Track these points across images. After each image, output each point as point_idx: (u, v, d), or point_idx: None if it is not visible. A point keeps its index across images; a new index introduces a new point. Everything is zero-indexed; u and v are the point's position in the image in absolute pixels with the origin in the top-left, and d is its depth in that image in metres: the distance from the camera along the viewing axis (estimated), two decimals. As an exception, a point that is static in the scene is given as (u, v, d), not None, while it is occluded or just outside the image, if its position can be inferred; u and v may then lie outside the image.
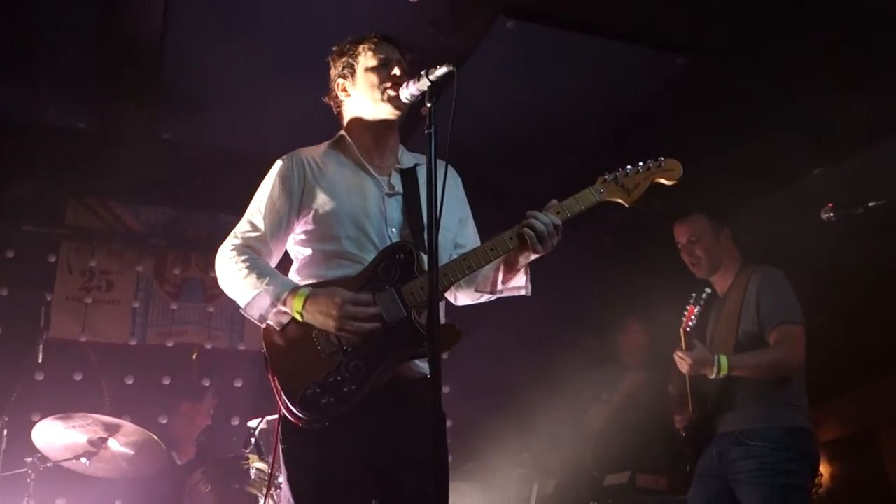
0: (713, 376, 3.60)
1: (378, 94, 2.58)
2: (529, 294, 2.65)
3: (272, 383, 2.39)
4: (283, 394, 2.33)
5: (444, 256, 2.51)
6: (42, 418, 4.39)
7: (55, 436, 4.37)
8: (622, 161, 2.62)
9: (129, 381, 5.82)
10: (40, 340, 4.99)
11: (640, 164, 2.64)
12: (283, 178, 2.60)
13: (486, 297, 2.71)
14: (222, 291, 2.56)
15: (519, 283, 2.63)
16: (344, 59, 2.68)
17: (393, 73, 2.58)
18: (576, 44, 4.51)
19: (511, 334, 5.97)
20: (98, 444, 4.42)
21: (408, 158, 2.73)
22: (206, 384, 5.94)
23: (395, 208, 2.59)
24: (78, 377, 5.70)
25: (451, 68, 2.21)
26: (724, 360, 3.58)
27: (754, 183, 5.13)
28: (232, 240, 2.60)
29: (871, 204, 3.34)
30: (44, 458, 4.40)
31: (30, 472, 4.35)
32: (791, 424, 3.56)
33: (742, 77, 4.71)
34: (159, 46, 4.50)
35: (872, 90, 4.45)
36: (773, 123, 4.93)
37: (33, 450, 4.38)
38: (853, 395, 5.40)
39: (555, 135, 5.29)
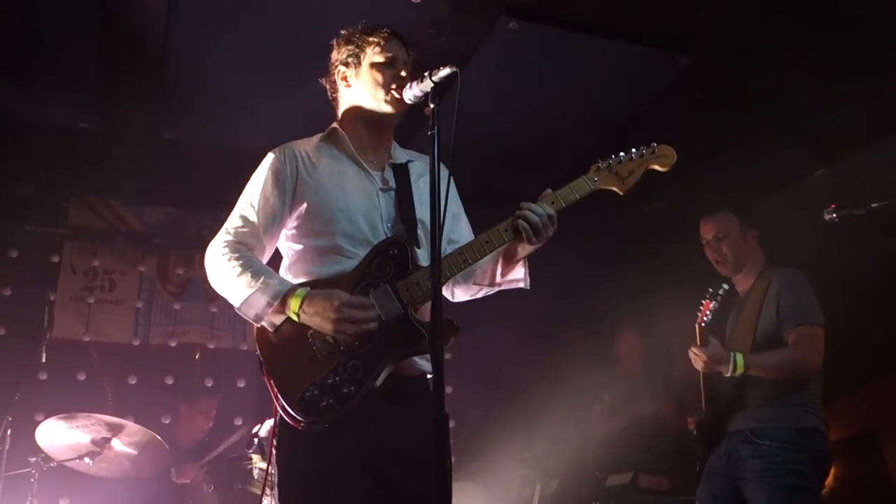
0: (728, 374, 3.58)
1: (382, 94, 2.55)
2: (528, 287, 2.62)
3: (268, 386, 2.34)
4: (280, 396, 2.29)
5: (419, 258, 2.47)
6: (45, 418, 4.40)
7: (59, 435, 4.38)
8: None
9: (133, 380, 5.84)
10: (43, 340, 4.98)
11: (633, 150, 2.60)
12: (276, 171, 2.54)
13: (484, 291, 2.67)
14: None
15: (518, 276, 2.60)
16: (350, 48, 2.62)
17: (400, 74, 2.55)
18: (578, 44, 4.51)
19: (513, 334, 5.98)
20: (101, 444, 4.44)
21: (400, 154, 2.71)
22: (209, 384, 5.95)
23: (388, 203, 2.56)
24: (81, 377, 5.72)
25: (454, 69, 2.20)
26: (740, 358, 3.56)
27: (756, 183, 5.13)
28: (223, 236, 2.52)
29: (873, 205, 3.33)
30: (47, 458, 4.41)
31: (33, 471, 4.36)
32: (801, 425, 3.55)
33: (744, 77, 4.71)
34: (161, 46, 4.51)
35: (874, 90, 4.45)
36: (775, 124, 4.92)
37: (37, 449, 4.39)
38: (856, 397, 5.39)
39: (557, 135, 5.29)
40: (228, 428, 5.52)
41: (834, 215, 3.42)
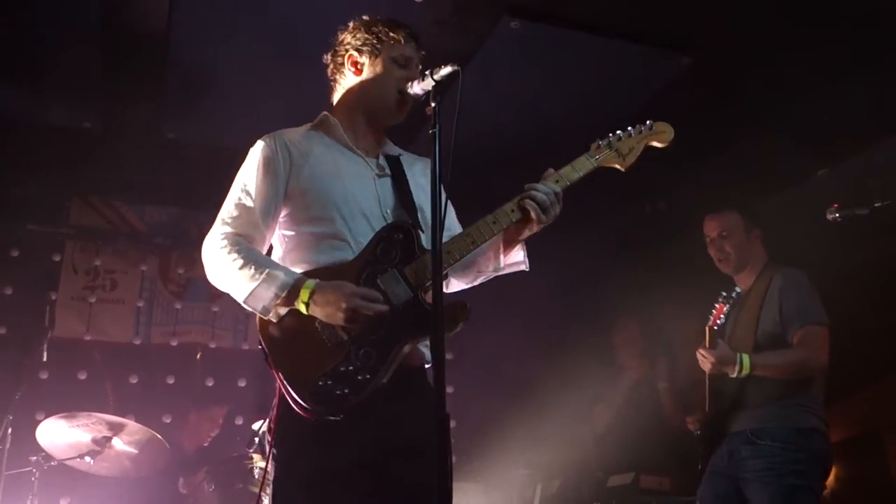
0: (734, 375, 3.57)
1: (394, 91, 2.51)
2: (528, 269, 2.59)
3: (276, 378, 2.28)
4: (290, 388, 2.22)
5: (428, 238, 2.41)
6: (46, 417, 4.40)
7: (59, 434, 4.39)
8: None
9: (134, 380, 5.84)
10: (45, 339, 4.99)
11: (631, 128, 2.59)
12: (268, 158, 2.47)
13: (483, 278, 2.62)
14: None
15: (518, 259, 2.57)
16: (368, 36, 2.57)
17: (414, 74, 2.50)
18: (580, 43, 4.51)
19: (515, 334, 5.98)
20: (102, 443, 4.44)
21: (391, 148, 2.69)
22: (210, 384, 5.95)
23: (386, 189, 2.53)
24: (82, 376, 5.73)
25: (455, 68, 2.19)
26: (746, 358, 3.56)
27: (758, 183, 5.12)
28: (221, 228, 2.44)
29: (876, 204, 3.33)
30: (48, 457, 4.42)
31: (34, 470, 4.37)
32: (802, 425, 3.55)
33: (745, 77, 4.70)
34: (163, 45, 4.50)
35: (876, 89, 4.44)
36: (777, 123, 4.92)
37: (38, 448, 4.40)
38: (858, 397, 5.39)
39: (558, 134, 5.27)
40: (231, 431, 5.53)
41: (837, 215, 3.42)
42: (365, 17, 2.63)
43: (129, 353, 5.91)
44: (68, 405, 4.54)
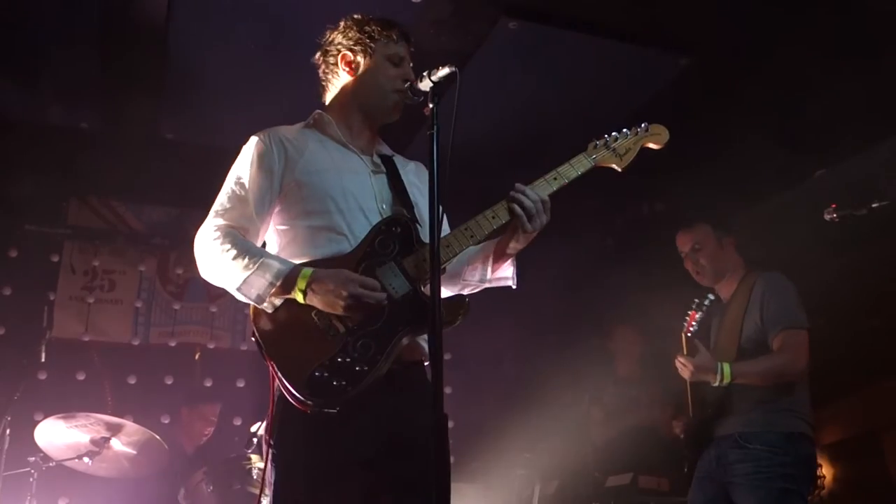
0: (716, 384, 3.59)
1: (389, 89, 2.53)
2: (515, 286, 2.58)
3: (270, 369, 2.24)
4: (285, 379, 2.18)
5: (425, 239, 2.39)
6: (45, 418, 4.40)
7: (58, 435, 4.38)
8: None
9: (132, 380, 5.83)
10: (43, 340, 4.98)
11: (626, 130, 2.62)
12: (262, 153, 2.46)
13: (469, 289, 2.60)
14: (225, 291, 2.36)
15: (506, 274, 2.56)
16: (360, 36, 2.57)
17: (407, 76, 2.52)
18: (578, 44, 4.51)
19: (513, 335, 5.98)
20: (100, 444, 4.43)
21: (385, 148, 2.69)
22: (209, 384, 5.95)
23: (381, 185, 2.52)
24: (81, 377, 5.72)
25: (453, 69, 2.20)
26: (727, 367, 3.57)
27: (756, 184, 5.13)
28: (214, 220, 2.42)
29: (874, 205, 3.33)
30: (46, 458, 4.41)
31: (32, 471, 4.36)
32: (790, 429, 3.56)
33: (744, 77, 4.71)
34: (162, 45, 4.51)
35: (875, 90, 4.44)
36: (776, 123, 4.92)
37: (36, 449, 4.39)
38: (856, 397, 5.39)
39: (556, 135, 5.27)
40: (230, 432, 5.52)
41: (834, 215, 3.43)
42: (356, 16, 2.63)
43: (128, 353, 5.91)
44: (67, 406, 4.54)
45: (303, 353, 2.22)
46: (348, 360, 2.20)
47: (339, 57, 2.61)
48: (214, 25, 4.36)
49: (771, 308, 3.67)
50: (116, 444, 4.48)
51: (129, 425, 4.49)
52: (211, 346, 6.07)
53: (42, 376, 5.36)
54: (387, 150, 2.68)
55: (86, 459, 4.43)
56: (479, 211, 2.70)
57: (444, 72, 2.22)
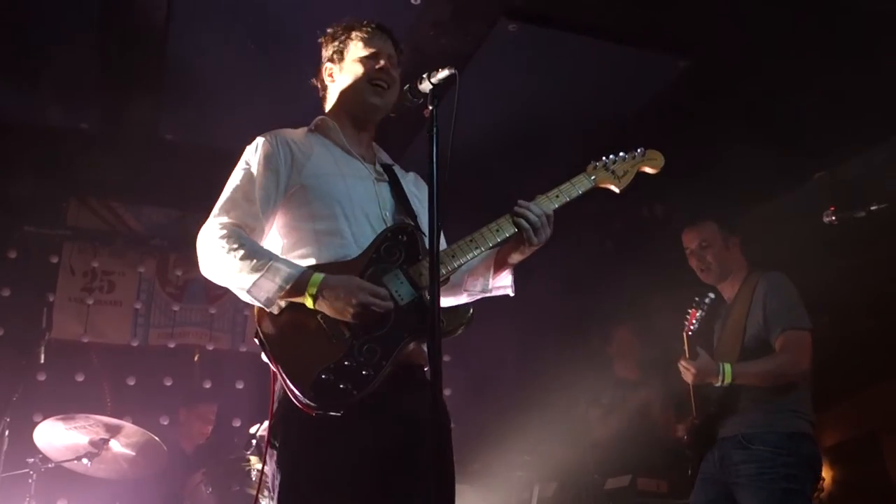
0: (718, 384, 3.59)
1: (361, 86, 2.55)
2: (513, 294, 2.60)
3: (274, 371, 2.24)
4: (289, 381, 2.18)
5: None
6: (44, 419, 4.40)
7: (57, 436, 4.38)
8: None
9: (131, 382, 5.83)
10: (42, 341, 5.00)
11: (624, 153, 2.67)
12: (268, 154, 2.46)
13: (467, 298, 2.62)
14: (225, 293, 2.39)
15: (505, 283, 2.58)
16: (335, 44, 2.63)
17: (379, 64, 2.54)
18: (577, 46, 4.52)
19: (511, 337, 5.98)
20: (99, 445, 4.43)
21: (384, 156, 2.71)
22: (208, 385, 5.95)
23: (385, 193, 2.54)
24: (80, 378, 5.71)
25: (452, 71, 2.20)
26: (728, 368, 3.56)
27: (756, 186, 5.13)
28: (218, 218, 2.39)
29: (872, 207, 3.33)
30: (45, 459, 4.41)
31: (31, 472, 4.36)
32: (792, 429, 3.55)
33: (743, 79, 4.71)
34: (161, 47, 4.51)
35: (874, 92, 4.45)
36: (775, 126, 4.93)
37: (35, 450, 4.39)
38: (855, 399, 5.39)
39: (556, 137, 5.29)
40: (229, 433, 5.52)
41: (833, 218, 3.42)
42: (329, 29, 2.69)
43: (127, 354, 5.90)
44: (66, 407, 4.53)
45: (308, 355, 2.22)
46: (354, 364, 2.20)
47: (324, 71, 2.67)
48: (214, 27, 4.36)
49: (773, 308, 3.66)
50: (115, 446, 4.48)
51: (128, 427, 4.48)
52: (210, 347, 6.07)
53: (41, 377, 5.36)
54: (387, 159, 2.71)
55: (85, 461, 4.43)
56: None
57: (443, 74, 2.22)
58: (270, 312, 2.30)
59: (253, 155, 2.49)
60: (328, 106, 2.68)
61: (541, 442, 5.56)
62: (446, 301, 2.62)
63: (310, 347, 2.24)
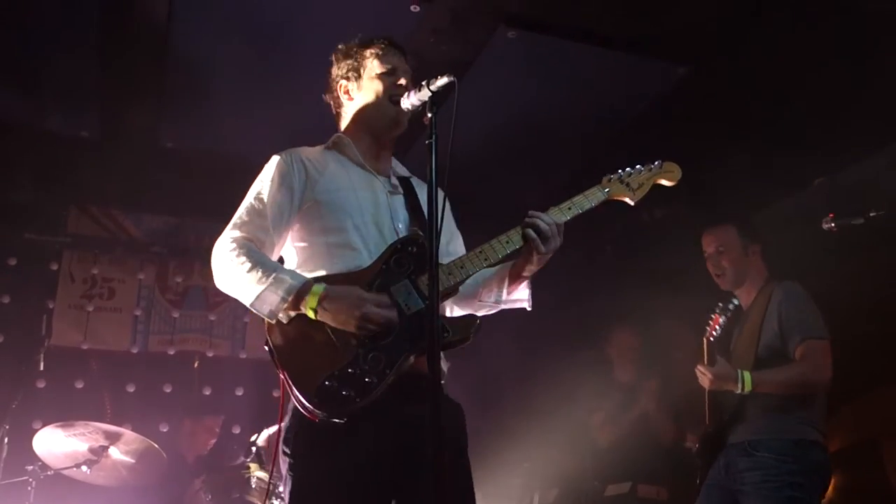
0: (738, 392, 3.55)
1: (383, 103, 2.60)
2: (530, 308, 2.64)
3: (282, 378, 2.29)
4: (295, 388, 2.24)
5: (442, 261, 2.45)
6: (43, 426, 4.39)
7: (56, 444, 4.37)
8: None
9: (131, 388, 5.82)
10: (42, 348, 4.99)
11: (640, 166, 2.68)
12: (283, 172, 2.53)
13: (485, 310, 2.66)
14: (224, 299, 2.48)
15: (522, 296, 2.62)
16: (349, 62, 2.68)
17: (399, 82, 2.60)
18: (577, 53, 4.53)
19: (511, 343, 5.97)
20: (99, 453, 4.43)
21: (402, 169, 2.76)
22: (207, 392, 5.94)
23: (399, 205, 2.59)
24: (79, 385, 5.71)
25: (451, 79, 2.21)
26: (748, 376, 3.53)
27: (755, 192, 5.13)
28: (231, 232, 2.47)
29: (871, 214, 3.33)
30: (44, 466, 4.40)
31: (30, 480, 4.35)
32: (800, 437, 3.53)
33: (741, 86, 4.72)
34: (162, 54, 4.52)
35: (873, 99, 4.46)
36: (774, 132, 4.93)
37: (34, 458, 4.38)
38: (855, 406, 5.38)
39: (555, 144, 5.30)
40: (229, 440, 5.50)
41: (832, 224, 3.42)
42: (340, 46, 2.73)
43: (127, 361, 5.90)
44: (65, 414, 4.53)
45: (314, 363, 2.27)
46: (358, 371, 2.25)
47: (339, 88, 2.71)
48: (215, 34, 4.37)
49: (790, 317, 3.64)
50: (115, 453, 4.47)
51: (128, 434, 4.48)
52: (210, 354, 6.07)
53: (41, 384, 5.36)
54: (404, 171, 2.76)
55: (84, 468, 4.42)
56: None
57: (442, 81, 2.23)
58: (280, 322, 2.34)
59: (268, 172, 2.56)
60: (344, 123, 2.72)
61: (541, 448, 5.55)
62: (461, 312, 2.67)
63: (316, 356, 2.29)
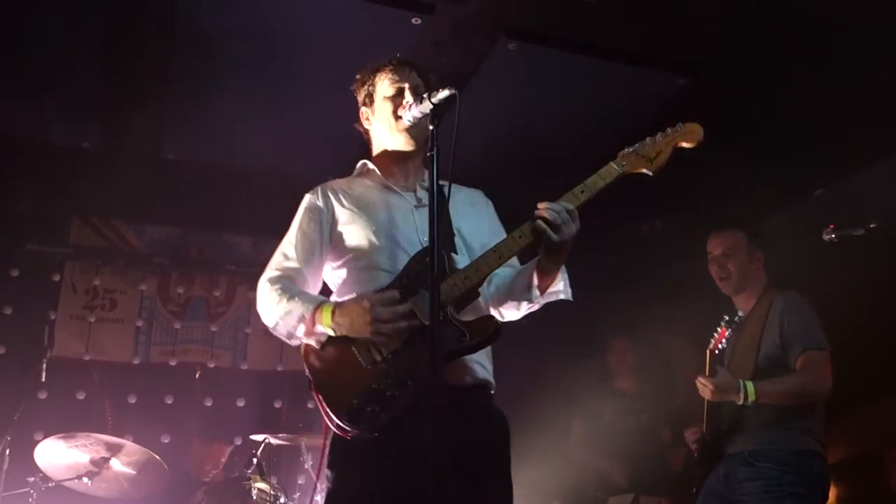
0: (740, 402, 3.54)
1: (393, 123, 2.63)
2: (570, 298, 2.63)
3: (318, 403, 2.39)
4: (328, 410, 2.34)
5: (458, 263, 2.52)
6: (45, 437, 4.39)
7: (57, 455, 4.37)
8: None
9: (132, 399, 5.82)
10: (44, 359, 4.98)
11: (660, 133, 2.63)
12: (311, 207, 2.67)
13: (526, 308, 2.65)
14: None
15: (557, 288, 2.61)
16: (364, 89, 2.75)
17: (406, 100, 2.59)
18: (577, 65, 4.54)
19: (511, 354, 5.95)
20: (100, 464, 4.42)
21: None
22: (209, 403, 5.93)
23: (424, 217, 2.57)
24: (81, 396, 5.71)
25: (452, 91, 2.24)
26: (750, 386, 3.53)
27: (755, 203, 5.14)
28: (268, 272, 2.63)
29: (872, 225, 3.34)
30: (46, 478, 4.40)
31: (32, 491, 4.35)
32: (800, 447, 3.53)
33: (742, 97, 4.73)
34: (164, 66, 4.54)
35: (873, 109, 4.47)
36: (774, 143, 4.94)
37: (35, 469, 4.37)
38: (857, 417, 5.37)
39: (556, 155, 5.31)
40: (230, 451, 5.48)
41: (833, 235, 3.42)
42: (357, 76, 2.79)
43: (128, 372, 5.90)
44: (67, 425, 4.52)
45: (344, 384, 2.36)
46: (381, 387, 2.33)
47: (362, 115, 2.79)
48: (216, 48, 4.39)
49: (791, 327, 3.64)
50: (116, 465, 4.47)
51: (129, 445, 4.47)
52: (211, 365, 6.07)
53: (42, 395, 5.35)
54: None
55: (85, 480, 4.42)
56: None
57: (443, 94, 2.26)
58: (315, 348, 2.45)
59: (300, 209, 2.70)
60: (374, 149, 2.79)
61: (542, 460, 5.54)
62: (510, 315, 2.69)
63: (346, 377, 2.38)
